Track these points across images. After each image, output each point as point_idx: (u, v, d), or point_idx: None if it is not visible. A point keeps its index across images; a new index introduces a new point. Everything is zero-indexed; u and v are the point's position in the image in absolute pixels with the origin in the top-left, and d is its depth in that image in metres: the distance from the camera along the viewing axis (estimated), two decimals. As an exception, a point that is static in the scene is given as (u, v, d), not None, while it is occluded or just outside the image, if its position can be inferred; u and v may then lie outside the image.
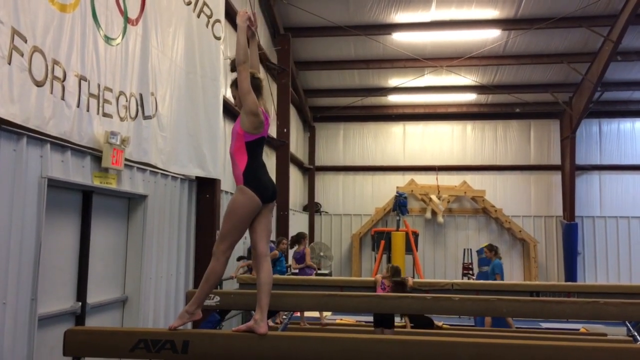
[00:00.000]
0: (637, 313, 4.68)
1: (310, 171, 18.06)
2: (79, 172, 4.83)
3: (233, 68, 3.39)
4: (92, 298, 5.20)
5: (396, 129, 18.15)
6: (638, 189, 16.86)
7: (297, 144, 16.58)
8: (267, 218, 3.40)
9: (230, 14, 9.31)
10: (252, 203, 3.27)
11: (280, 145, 12.70)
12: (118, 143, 5.12)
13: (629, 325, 6.05)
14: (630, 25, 11.91)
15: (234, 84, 3.45)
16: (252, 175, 3.30)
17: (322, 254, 16.04)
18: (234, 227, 3.31)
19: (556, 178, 17.06)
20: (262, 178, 3.34)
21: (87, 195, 5.15)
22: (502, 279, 9.49)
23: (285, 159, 12.90)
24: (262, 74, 3.61)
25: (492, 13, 12.54)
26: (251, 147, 3.34)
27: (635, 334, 6.02)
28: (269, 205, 3.39)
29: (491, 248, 9.89)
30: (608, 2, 11.94)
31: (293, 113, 15.42)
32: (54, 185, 4.52)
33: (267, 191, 3.33)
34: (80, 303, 5.00)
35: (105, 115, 5.08)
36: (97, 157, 5.02)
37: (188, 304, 3.43)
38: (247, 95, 3.29)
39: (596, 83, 13.85)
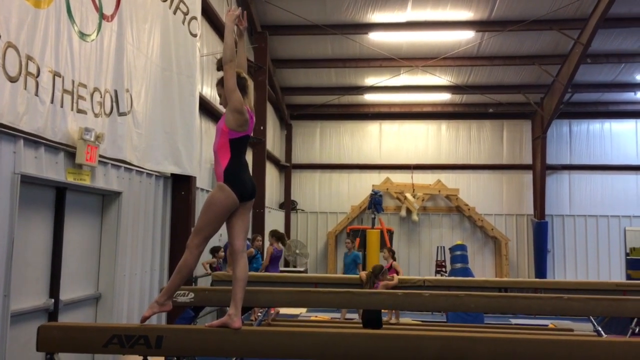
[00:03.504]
0: (598, 308, 4.86)
1: (286, 169, 18.10)
2: (53, 169, 4.82)
3: (219, 67, 3.43)
4: (65, 295, 5.19)
5: (372, 128, 18.31)
6: (606, 188, 17.33)
7: (273, 142, 16.62)
8: (245, 215, 3.46)
9: (207, 12, 9.33)
10: (229, 201, 3.33)
11: (257, 142, 12.72)
12: (92, 139, 5.11)
13: (593, 320, 6.28)
14: (599, 29, 12.24)
15: (220, 83, 3.49)
16: (232, 173, 3.36)
17: (297, 251, 16.11)
18: (209, 222, 3.37)
19: (527, 177, 17.44)
20: (242, 177, 3.39)
21: (60, 191, 5.13)
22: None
23: (261, 156, 12.93)
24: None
25: (466, 14, 12.74)
26: (235, 144, 3.40)
27: (600, 329, 6.24)
28: (247, 203, 3.45)
29: (351, 240, 10.87)
30: (578, 6, 12.23)
31: (270, 111, 15.44)
32: (27, 181, 4.50)
33: (245, 190, 3.39)
34: (52, 300, 4.99)
35: (79, 111, 5.07)
36: (70, 153, 5.01)
37: (159, 295, 3.48)
38: (232, 93, 3.34)
39: (566, 85, 14.19)
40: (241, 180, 3.38)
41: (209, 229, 3.37)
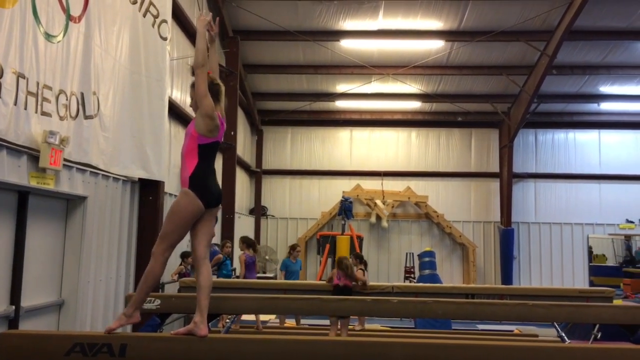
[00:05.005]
0: (561, 314, 4.98)
1: (257, 174, 18.03)
2: (15, 172, 4.69)
3: (193, 72, 3.42)
4: (26, 301, 5.05)
5: (343, 135, 18.39)
6: (570, 196, 17.75)
7: (244, 147, 16.53)
8: (209, 222, 3.42)
9: (178, 15, 9.25)
10: (195, 207, 3.28)
11: (227, 148, 12.64)
12: (57, 143, 5.00)
13: (557, 326, 6.42)
14: (564, 41, 12.58)
15: (193, 87, 3.47)
16: (198, 179, 3.31)
17: (267, 257, 16.04)
18: (175, 229, 3.32)
19: (495, 185, 17.74)
20: (208, 183, 3.35)
21: (23, 195, 5.00)
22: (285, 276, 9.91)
23: (232, 161, 12.85)
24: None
25: (436, 24, 12.94)
26: (204, 150, 3.36)
27: (563, 334, 6.39)
28: (212, 210, 3.41)
29: (295, 247, 10.44)
30: (545, 18, 12.56)
31: (241, 116, 15.37)
32: (-12, 185, 4.38)
33: (212, 197, 3.35)
34: (13, 307, 4.84)
35: (43, 114, 4.95)
36: (34, 156, 4.88)
37: (127, 307, 3.40)
38: (203, 98, 3.31)
39: (533, 95, 14.52)
40: (207, 186, 3.34)
41: (175, 235, 3.32)
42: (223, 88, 3.54)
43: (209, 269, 3.37)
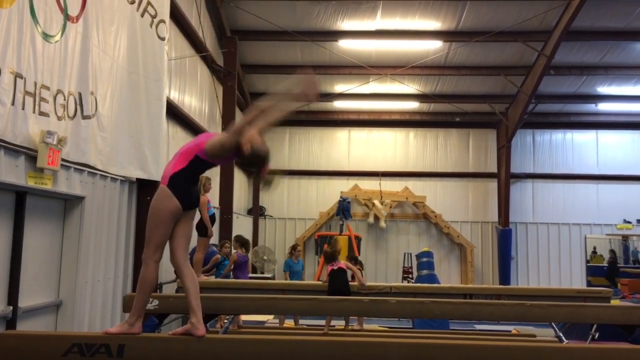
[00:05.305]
0: (559, 314, 4.99)
1: (255, 174, 17.98)
2: (12, 172, 4.68)
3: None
4: (24, 302, 5.04)
5: (341, 135, 18.39)
6: (568, 196, 17.78)
7: (242, 147, 16.47)
8: (187, 225, 3.39)
9: (176, 15, 9.24)
10: (173, 205, 3.25)
11: (225, 148, 12.62)
12: (54, 143, 4.99)
13: (554, 326, 6.43)
14: (562, 42, 12.60)
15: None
16: (179, 181, 3.28)
17: (265, 257, 16.02)
18: (156, 228, 3.28)
19: (492, 185, 17.75)
20: (187, 186, 3.32)
21: (20, 196, 4.99)
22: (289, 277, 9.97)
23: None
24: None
25: (434, 25, 12.95)
26: (197, 162, 3.33)
27: (561, 335, 6.39)
28: (189, 212, 3.38)
29: (295, 247, 10.55)
30: (542, 19, 12.57)
31: (239, 116, 15.35)
32: (-15, 185, 4.37)
33: (189, 199, 3.31)
34: (11, 307, 4.83)
35: (41, 114, 4.95)
36: (32, 157, 4.88)
37: (129, 315, 3.38)
38: (235, 133, 3.27)
39: (530, 95, 14.53)
40: (186, 188, 3.31)
41: (157, 235, 3.28)
42: (266, 170, 3.50)
43: (190, 270, 3.35)
